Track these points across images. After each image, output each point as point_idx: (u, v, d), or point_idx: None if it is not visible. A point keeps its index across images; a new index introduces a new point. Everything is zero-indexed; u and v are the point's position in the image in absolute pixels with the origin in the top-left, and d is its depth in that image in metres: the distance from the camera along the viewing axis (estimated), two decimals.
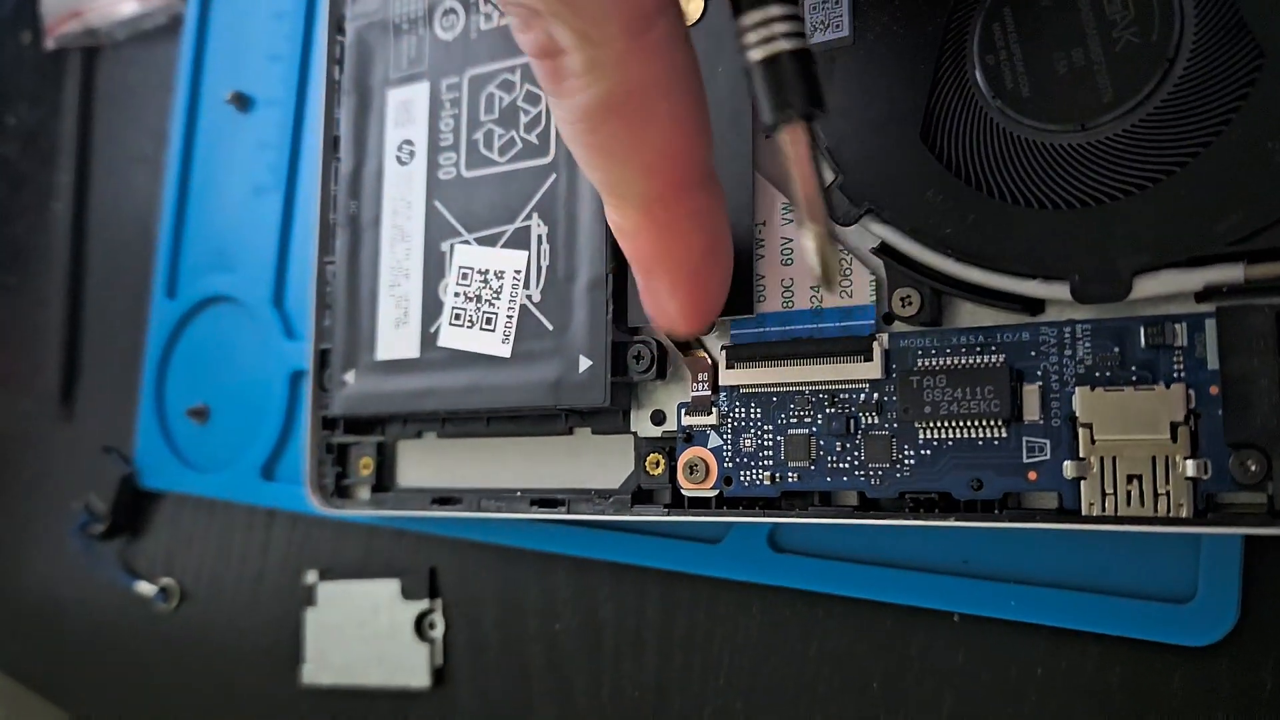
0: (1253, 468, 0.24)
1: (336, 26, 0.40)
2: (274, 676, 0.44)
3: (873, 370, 0.29)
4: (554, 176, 0.34)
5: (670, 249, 0.26)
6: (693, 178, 0.25)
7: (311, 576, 0.43)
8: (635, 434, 0.33)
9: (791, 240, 0.30)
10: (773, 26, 0.23)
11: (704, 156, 0.26)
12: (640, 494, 0.33)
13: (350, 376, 0.37)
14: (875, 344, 0.29)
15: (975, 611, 0.30)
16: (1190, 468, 0.25)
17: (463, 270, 0.35)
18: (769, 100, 0.23)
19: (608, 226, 0.32)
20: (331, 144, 0.40)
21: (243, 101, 0.48)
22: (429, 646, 0.40)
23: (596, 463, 0.34)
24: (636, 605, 0.36)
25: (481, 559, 0.40)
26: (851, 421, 0.29)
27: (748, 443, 0.31)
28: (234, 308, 0.47)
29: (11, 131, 0.59)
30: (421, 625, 0.41)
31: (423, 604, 0.41)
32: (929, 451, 0.28)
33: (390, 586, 0.41)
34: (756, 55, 0.23)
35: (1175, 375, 0.25)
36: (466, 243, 0.35)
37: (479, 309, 0.34)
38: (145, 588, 0.48)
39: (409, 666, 0.40)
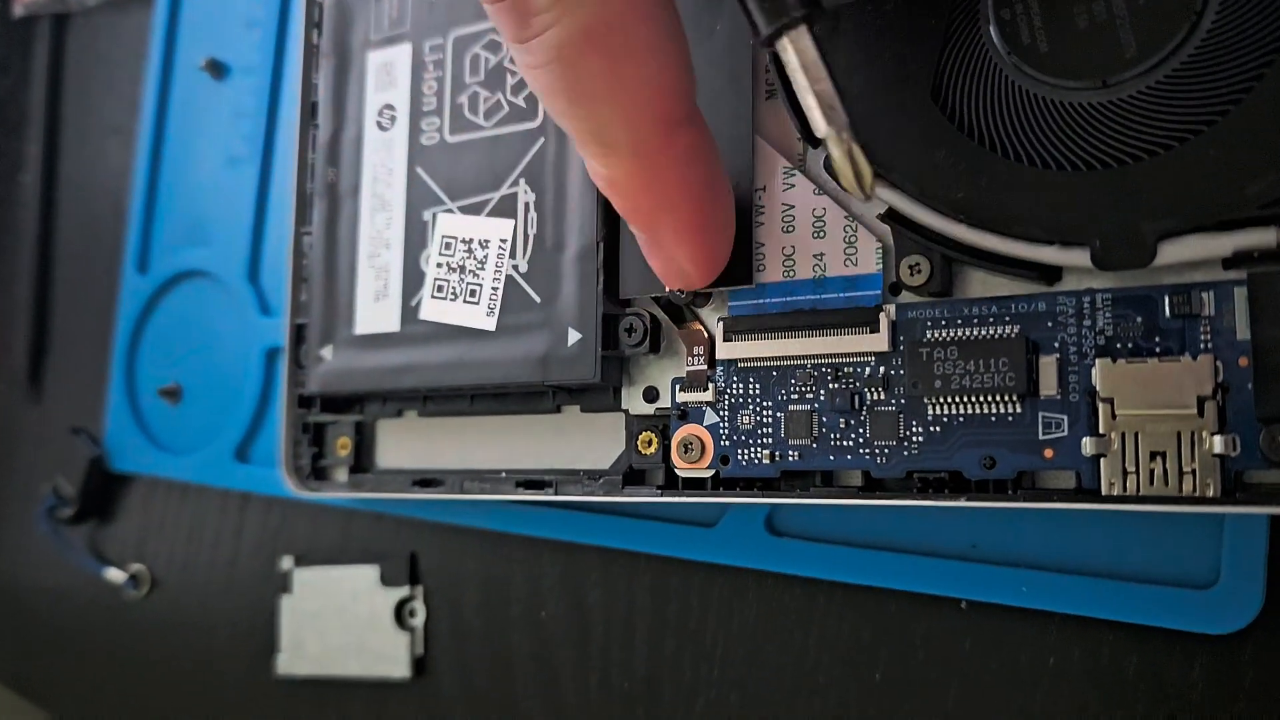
0: None
1: None
2: (248, 666, 0.42)
3: (879, 343, 0.27)
4: (542, 140, 0.32)
5: (669, 193, 0.24)
6: (681, 111, 0.24)
7: (287, 562, 0.42)
8: (627, 411, 0.31)
9: (793, 206, 0.29)
10: None
11: (689, 88, 0.24)
12: (632, 474, 0.31)
13: (327, 352, 0.35)
14: (882, 315, 0.27)
15: (984, 598, 0.29)
16: (1218, 444, 0.23)
17: (446, 240, 0.33)
18: (762, 7, 0.22)
19: (599, 193, 0.30)
20: (309, 110, 0.38)
21: (217, 69, 0.46)
22: (409, 635, 0.39)
23: (586, 442, 0.33)
24: (626, 591, 0.35)
25: (464, 544, 0.38)
26: (856, 397, 0.27)
27: (746, 420, 0.29)
28: (208, 283, 0.45)
29: None
30: (401, 613, 0.39)
31: (403, 591, 0.39)
32: (938, 428, 0.26)
33: (369, 573, 0.40)
34: None
35: (1202, 346, 0.24)
36: (450, 211, 0.33)
37: (463, 280, 0.33)
38: (115, 574, 0.47)
39: (389, 656, 0.39)
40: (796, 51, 0.22)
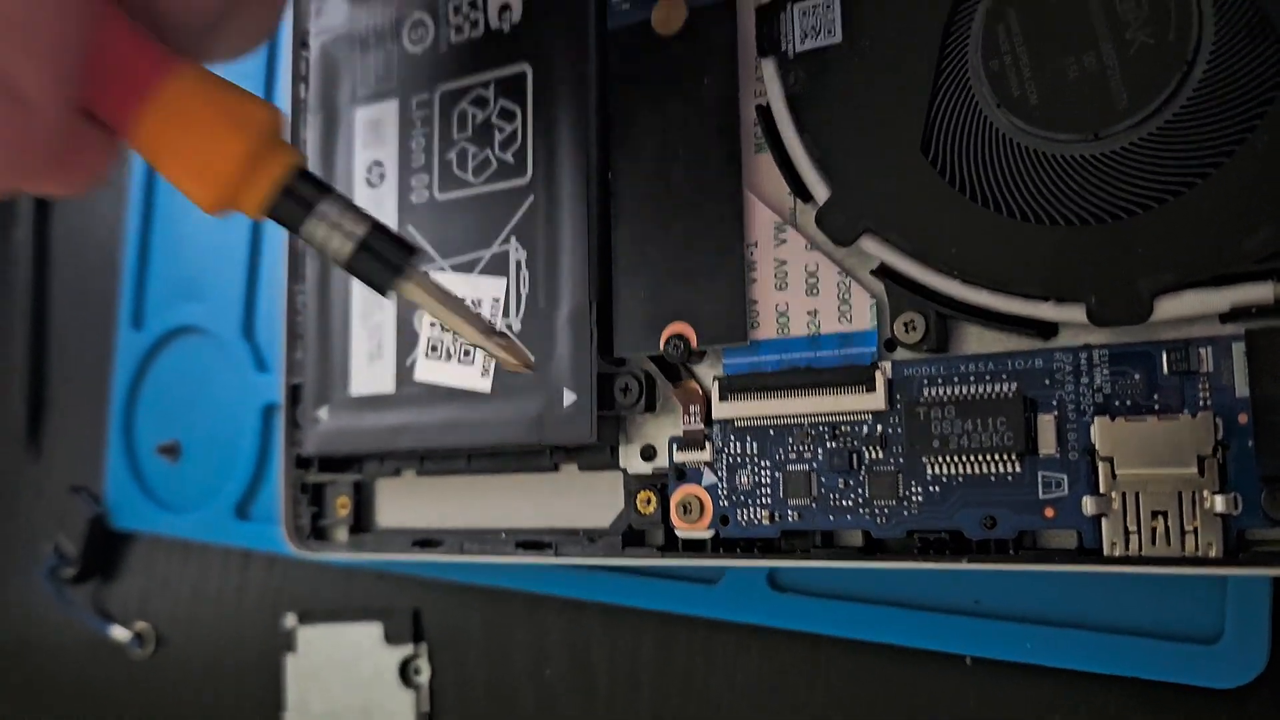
0: None
1: (300, 41, 0.38)
2: None
3: (876, 401, 0.27)
4: (532, 198, 0.32)
5: None
6: None
7: (291, 620, 0.41)
8: (625, 470, 0.31)
9: (785, 262, 0.28)
10: (338, 228, 0.23)
11: None
12: (631, 535, 0.31)
13: (324, 413, 0.35)
14: (878, 373, 0.27)
15: (988, 654, 0.29)
16: (1220, 503, 0.23)
17: None
18: (377, 278, 0.23)
19: (590, 250, 0.30)
20: None
21: None
22: (414, 693, 0.38)
23: (584, 500, 0.32)
24: (630, 648, 0.34)
25: (467, 600, 0.38)
26: (854, 456, 0.27)
27: (744, 480, 0.29)
28: (203, 339, 0.45)
29: None
30: (406, 671, 0.39)
31: (407, 649, 0.39)
32: (938, 488, 0.26)
33: (373, 630, 0.39)
34: (345, 254, 0.23)
35: (1201, 403, 0.24)
36: (441, 269, 0.33)
37: (456, 340, 0.32)
38: (120, 633, 0.46)
39: (394, 714, 0.39)
40: (415, 293, 0.24)
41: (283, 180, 0.22)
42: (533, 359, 0.26)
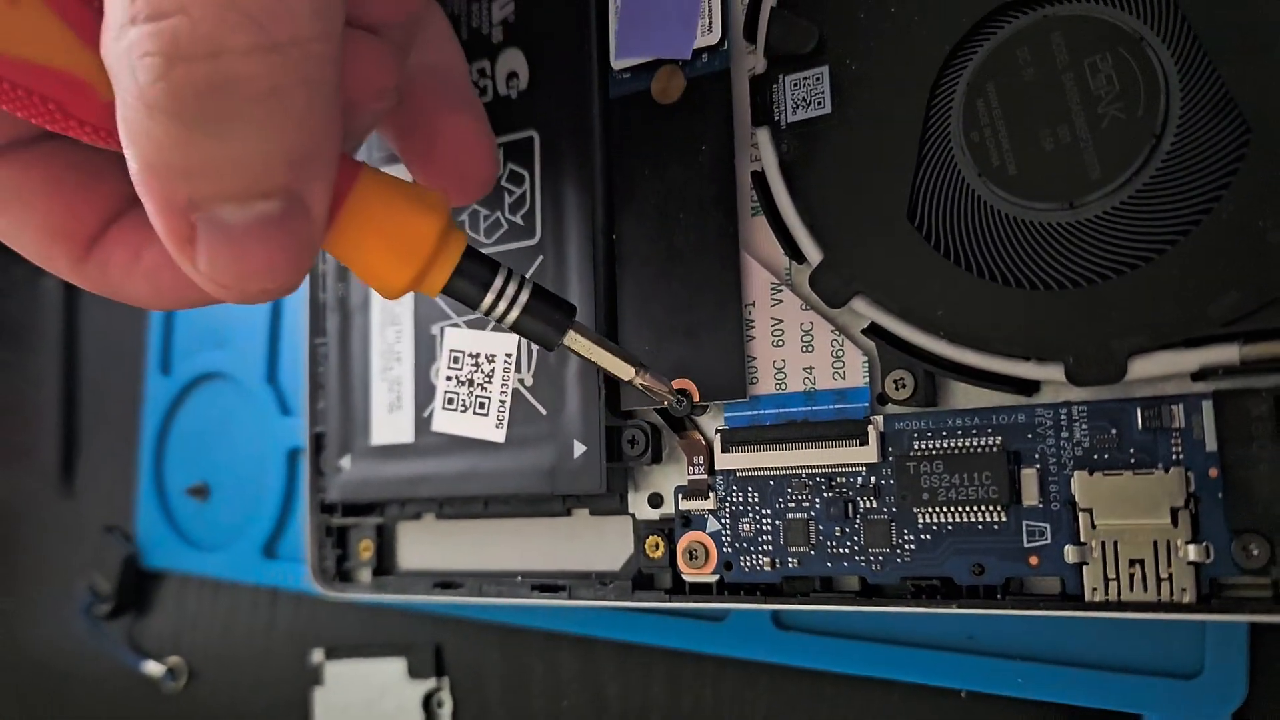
0: (1255, 552, 0.24)
1: None
2: None
3: (869, 454, 0.28)
4: (541, 258, 0.33)
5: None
6: None
7: (318, 656, 0.43)
8: (634, 516, 0.32)
9: (782, 320, 0.30)
10: (505, 295, 0.25)
11: None
12: (641, 578, 0.32)
13: (346, 462, 0.37)
14: (870, 427, 0.28)
15: (982, 689, 0.30)
16: (1192, 552, 0.24)
17: (454, 354, 0.35)
18: (545, 336, 0.26)
19: (596, 309, 0.32)
20: None
21: None
22: None
23: (596, 543, 0.34)
24: (642, 684, 0.36)
25: (487, 637, 0.40)
26: (850, 505, 0.29)
27: (746, 527, 0.30)
28: (228, 384, 0.47)
29: None
30: (429, 704, 0.41)
31: (429, 683, 0.40)
32: (929, 536, 0.28)
33: (397, 666, 0.41)
34: (512, 319, 0.26)
35: (1174, 458, 0.25)
36: (456, 325, 0.35)
37: (472, 393, 0.34)
38: (154, 667, 0.48)
39: None
40: (577, 344, 0.27)
41: (460, 258, 0.24)
42: (673, 389, 0.30)
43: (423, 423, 0.35)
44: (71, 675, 0.52)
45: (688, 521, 0.31)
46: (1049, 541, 0.26)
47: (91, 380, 0.54)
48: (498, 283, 0.25)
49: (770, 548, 0.30)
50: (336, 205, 0.22)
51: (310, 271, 0.39)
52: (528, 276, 0.26)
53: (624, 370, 0.28)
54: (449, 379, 0.35)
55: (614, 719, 0.36)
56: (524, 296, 0.25)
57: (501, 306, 0.25)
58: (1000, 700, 0.30)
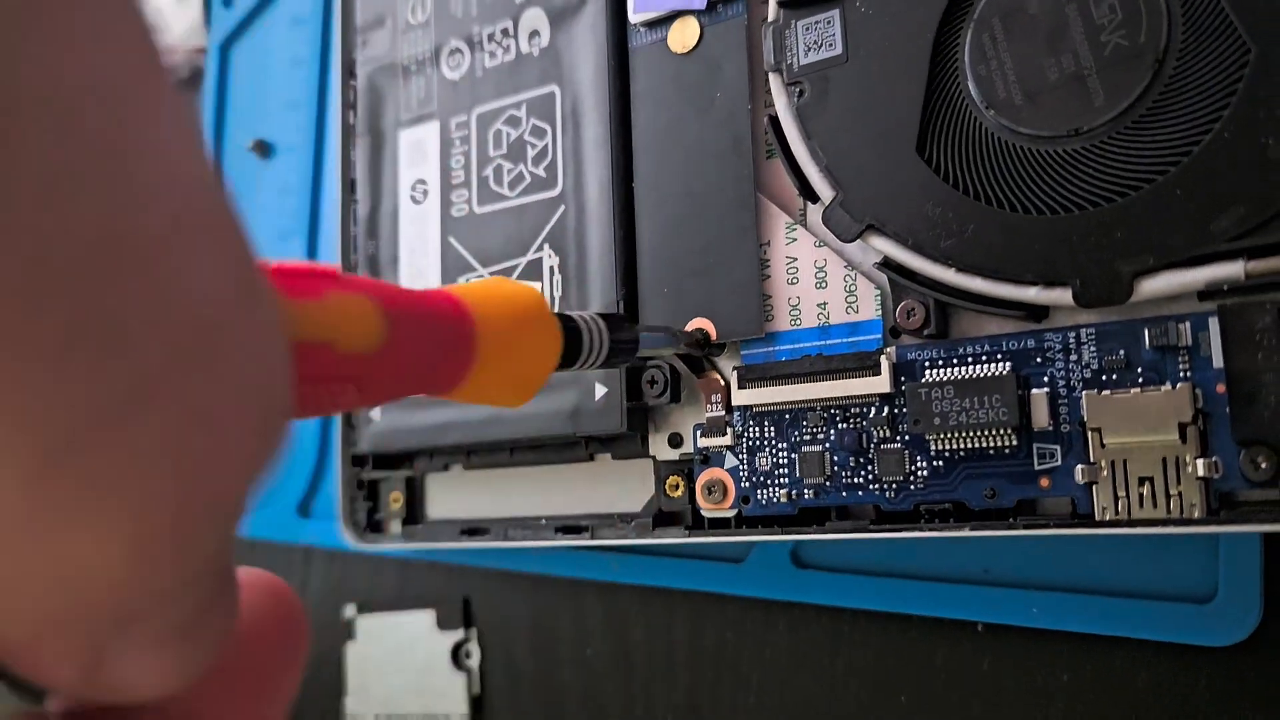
0: (1263, 464, 0.24)
1: (349, 71, 0.41)
2: (319, 710, 0.45)
3: (881, 384, 0.29)
4: (563, 208, 0.34)
5: None
6: None
7: (350, 611, 0.44)
8: (654, 457, 0.33)
9: (796, 259, 0.31)
10: (593, 351, 0.25)
11: None
12: (661, 517, 0.33)
13: (376, 413, 0.38)
14: (883, 358, 0.29)
15: (998, 620, 0.30)
16: (1201, 467, 0.25)
17: None
18: (623, 362, 0.27)
19: (616, 254, 0.33)
20: (349, 187, 0.40)
21: (264, 149, 0.49)
22: (466, 675, 0.41)
23: (618, 487, 0.34)
24: (665, 627, 0.37)
25: (513, 587, 0.40)
26: (864, 436, 0.29)
27: (763, 461, 0.31)
28: None
29: None
30: (458, 655, 0.41)
31: (458, 634, 0.41)
32: (941, 463, 0.28)
33: (426, 618, 0.42)
34: (600, 362, 0.25)
35: (1181, 375, 0.25)
36: (481, 277, 0.36)
37: None
38: None
39: (447, 695, 0.41)
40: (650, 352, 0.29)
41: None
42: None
43: None
44: None
45: (706, 459, 0.32)
46: (1059, 463, 0.27)
47: None
48: (585, 342, 0.24)
49: (786, 480, 0.30)
50: (462, 372, 0.20)
51: (342, 230, 0.40)
52: (593, 316, 0.25)
53: (670, 346, 0.29)
54: None
55: (639, 662, 0.37)
56: (608, 338, 0.25)
57: (592, 359, 0.25)
58: (1017, 631, 0.30)
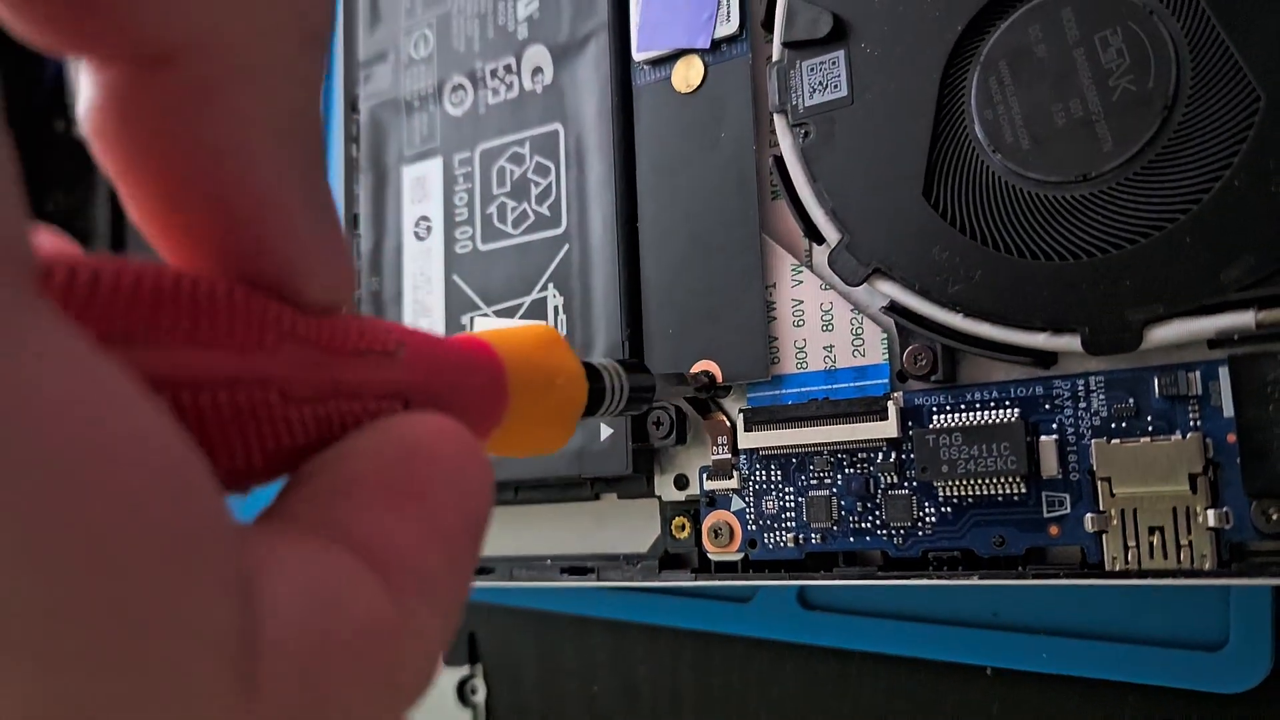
0: (1274, 516, 0.24)
1: (351, 106, 0.41)
2: None
3: (889, 429, 0.29)
4: (567, 247, 0.34)
5: None
6: None
7: None
8: (660, 498, 0.33)
9: (802, 301, 0.30)
10: (615, 397, 0.24)
11: None
12: (667, 558, 0.33)
13: None
14: (890, 403, 0.29)
15: (1008, 665, 0.30)
16: (1212, 518, 0.24)
17: None
18: (638, 408, 0.26)
19: (621, 294, 0.32)
20: (352, 222, 0.40)
21: None
22: (471, 712, 0.41)
23: (624, 526, 0.34)
24: (671, 666, 0.36)
25: (519, 623, 0.40)
26: (871, 481, 0.29)
27: (770, 505, 0.31)
28: None
29: (50, 217, 0.61)
30: (463, 691, 0.41)
31: (463, 670, 0.41)
32: (949, 510, 0.28)
33: None
34: (620, 409, 0.24)
35: (1191, 425, 0.25)
36: (485, 315, 0.36)
37: None
38: None
39: None
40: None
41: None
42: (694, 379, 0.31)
43: None
44: None
45: (712, 501, 0.32)
46: (1068, 511, 0.26)
47: None
48: (607, 388, 0.24)
49: (793, 524, 0.30)
50: (495, 417, 0.18)
51: None
52: (612, 363, 0.24)
53: (683, 390, 0.29)
54: None
55: (645, 702, 0.37)
56: (628, 387, 0.24)
57: (613, 407, 0.24)
58: (1026, 676, 0.30)
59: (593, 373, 0.23)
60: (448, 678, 0.41)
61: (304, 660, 0.10)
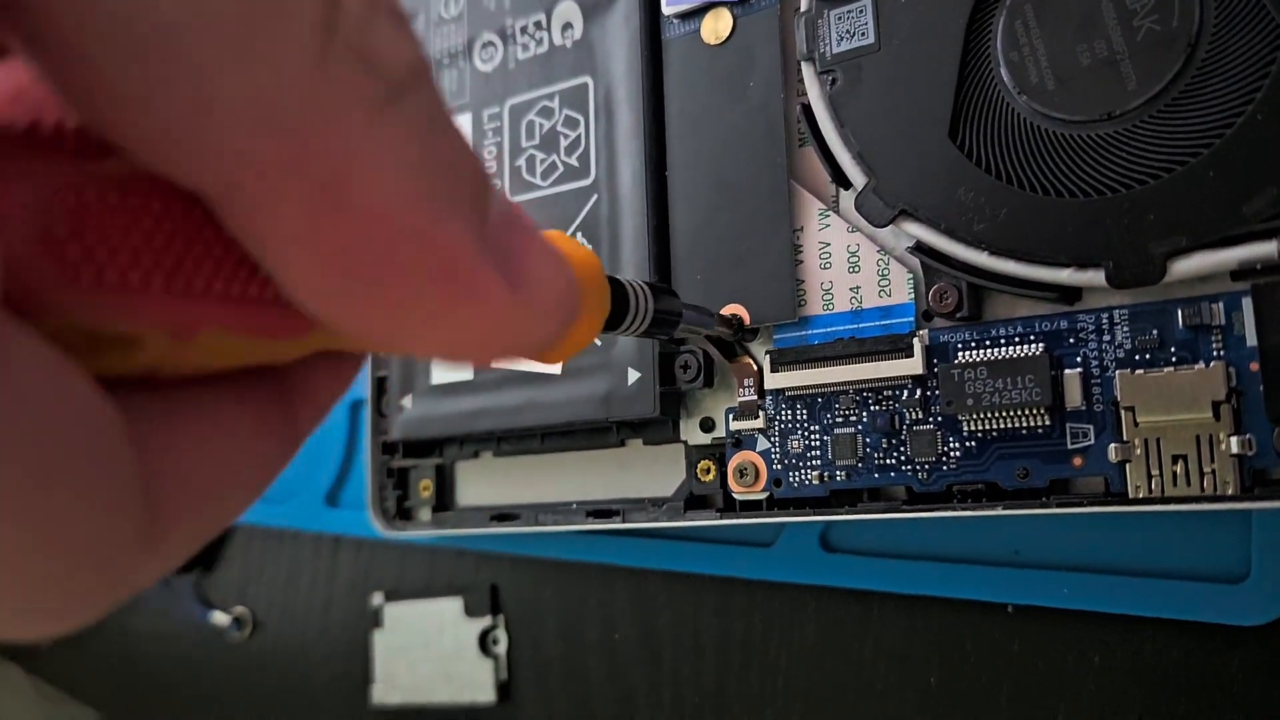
0: None
1: None
2: (346, 698, 0.45)
3: (914, 366, 0.29)
4: (595, 197, 0.35)
5: None
6: None
7: (378, 599, 0.45)
8: (686, 442, 0.33)
9: (829, 244, 0.31)
10: (639, 315, 0.23)
11: None
12: (693, 500, 0.33)
13: (407, 401, 0.38)
14: (915, 341, 0.29)
15: (1028, 601, 0.31)
16: (1234, 444, 0.25)
17: None
18: (665, 333, 0.25)
19: (650, 242, 0.33)
20: None
21: None
22: (493, 662, 0.41)
23: (649, 472, 0.35)
24: (693, 612, 0.37)
25: (541, 574, 0.41)
26: (896, 418, 0.30)
27: (795, 444, 0.31)
28: None
29: None
30: (485, 642, 0.42)
31: (485, 621, 0.42)
32: (974, 443, 0.28)
33: (453, 605, 0.42)
34: (642, 331, 0.24)
35: (1215, 354, 0.26)
36: None
37: None
38: (220, 618, 0.50)
39: (475, 683, 0.41)
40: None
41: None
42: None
43: None
44: (141, 628, 0.54)
45: (738, 442, 0.32)
46: (1092, 442, 0.27)
47: None
48: (631, 305, 0.23)
49: (818, 463, 0.31)
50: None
51: None
52: (640, 282, 0.23)
53: (707, 326, 0.28)
54: None
55: (667, 648, 0.37)
56: (650, 310, 0.24)
57: (636, 324, 0.23)
58: (1047, 612, 0.31)
59: (617, 286, 0.23)
60: (470, 629, 0.42)
61: None
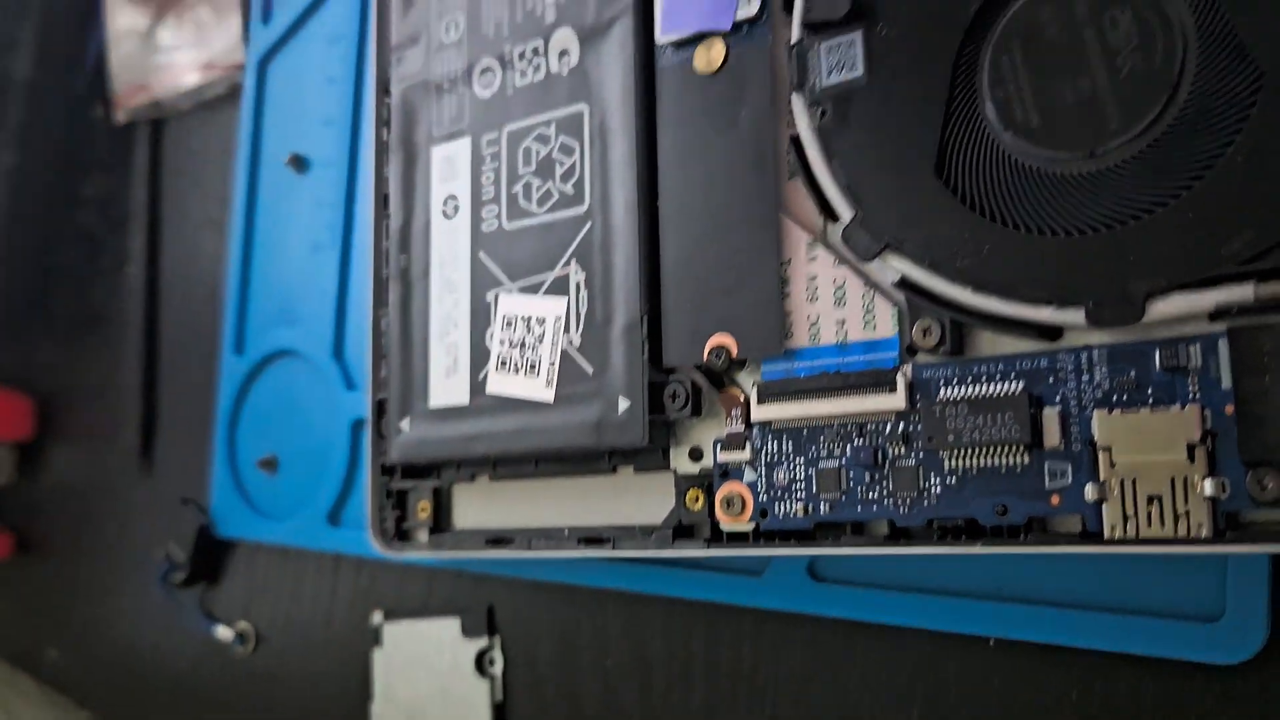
0: (1269, 485, 0.24)
1: (383, 88, 0.42)
2: (346, 715, 0.46)
3: (897, 401, 0.29)
4: (589, 224, 0.35)
5: None
6: None
7: (378, 618, 0.45)
8: (675, 471, 0.34)
9: (816, 277, 0.31)
10: None
11: None
12: (681, 529, 0.33)
13: (406, 424, 0.39)
14: (899, 376, 0.29)
15: (1010, 635, 0.31)
16: (1208, 487, 0.25)
17: (506, 318, 0.36)
18: None
19: (641, 271, 0.33)
20: (382, 201, 0.41)
21: (300, 163, 0.51)
22: (489, 683, 0.42)
23: (640, 500, 0.35)
24: (684, 638, 0.37)
25: (537, 596, 0.41)
26: (879, 452, 0.30)
27: (781, 476, 0.31)
28: (297, 361, 0.49)
29: (87, 201, 0.63)
30: (482, 662, 0.42)
31: (482, 642, 0.42)
32: (954, 479, 0.29)
33: (451, 625, 0.43)
34: None
35: (1191, 396, 0.26)
36: (510, 292, 0.37)
37: (523, 355, 0.36)
38: (224, 632, 0.51)
39: (471, 702, 0.42)
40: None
41: None
42: None
43: (477, 385, 0.37)
44: (147, 641, 0.55)
45: (725, 473, 0.32)
46: (1070, 481, 0.27)
47: (170, 363, 0.57)
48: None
49: (803, 495, 0.31)
50: None
51: (374, 244, 0.41)
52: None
53: None
54: (502, 342, 0.36)
55: (658, 673, 0.38)
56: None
57: None
58: (1027, 646, 0.31)
59: None
60: (467, 649, 0.42)
61: None
